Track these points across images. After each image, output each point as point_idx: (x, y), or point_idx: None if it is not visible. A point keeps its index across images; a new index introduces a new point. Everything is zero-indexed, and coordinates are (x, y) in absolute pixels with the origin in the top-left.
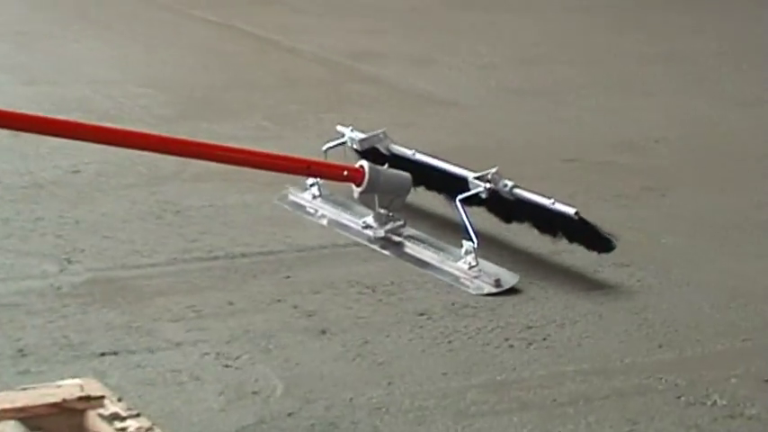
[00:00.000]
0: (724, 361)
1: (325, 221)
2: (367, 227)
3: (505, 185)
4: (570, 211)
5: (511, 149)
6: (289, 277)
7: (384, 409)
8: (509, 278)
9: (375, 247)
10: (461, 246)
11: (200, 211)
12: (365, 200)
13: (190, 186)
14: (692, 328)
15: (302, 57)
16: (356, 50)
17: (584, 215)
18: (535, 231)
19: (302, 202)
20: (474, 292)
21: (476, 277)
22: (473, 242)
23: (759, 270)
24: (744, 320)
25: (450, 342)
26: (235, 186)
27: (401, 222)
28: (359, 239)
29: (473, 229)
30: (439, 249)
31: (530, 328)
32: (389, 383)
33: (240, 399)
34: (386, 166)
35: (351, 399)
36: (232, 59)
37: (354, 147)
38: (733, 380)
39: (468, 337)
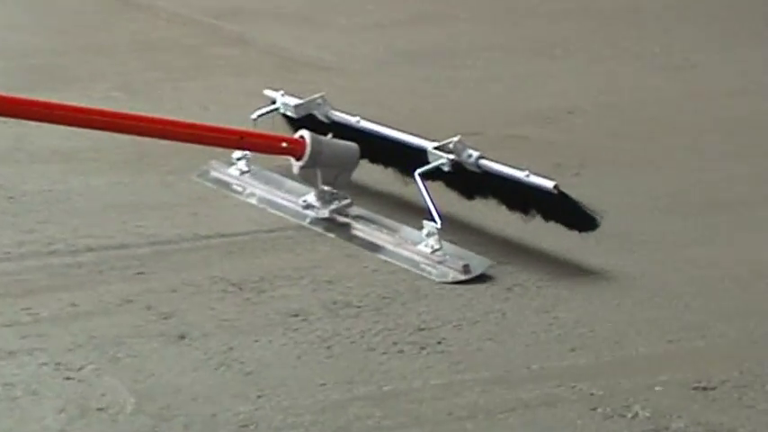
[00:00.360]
0: (647, 366)
1: (254, 200)
2: (308, 206)
3: (470, 156)
4: (548, 184)
5: (401, 121)
6: (141, 273)
7: (252, 426)
8: (479, 263)
9: (318, 229)
10: (421, 227)
11: (37, 197)
12: (306, 175)
13: (26, 168)
14: (609, 328)
15: (159, 16)
16: (223, 8)
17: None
18: (503, 209)
19: (227, 179)
20: (438, 280)
21: (440, 262)
22: (436, 222)
23: (689, 261)
24: (669, 319)
25: (329, 347)
26: (79, 167)
27: (348, 201)
28: (299, 221)
29: (435, 208)
30: (393, 231)
31: (422, 329)
32: (259, 396)
33: (84, 416)
34: (329, 136)
35: (214, 415)
36: (75, 19)
37: (288, 114)
38: (657, 388)
39: (351, 342)
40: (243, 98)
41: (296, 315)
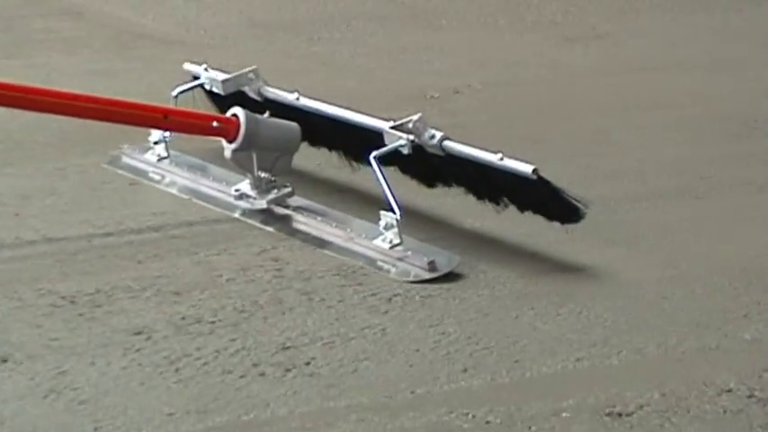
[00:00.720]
0: (552, 389)
1: (175, 189)
2: (242, 196)
3: (432, 137)
4: (526, 169)
5: None
6: None
7: None
8: (446, 260)
9: (254, 222)
10: (377, 219)
11: None
12: (240, 160)
13: None
14: (507, 344)
15: None
16: None
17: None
18: (469, 197)
19: (143, 166)
20: (398, 279)
21: (400, 259)
22: (395, 213)
23: (599, 265)
24: (578, 333)
25: (177, 370)
26: None
27: (288, 189)
28: (229, 212)
29: (394, 197)
30: (343, 224)
31: (287, 348)
32: (95, 429)
33: None
34: (266, 114)
35: None
36: None
37: (214, 90)
38: (564, 414)
39: (203, 363)
40: (74, 79)
41: (138, 333)
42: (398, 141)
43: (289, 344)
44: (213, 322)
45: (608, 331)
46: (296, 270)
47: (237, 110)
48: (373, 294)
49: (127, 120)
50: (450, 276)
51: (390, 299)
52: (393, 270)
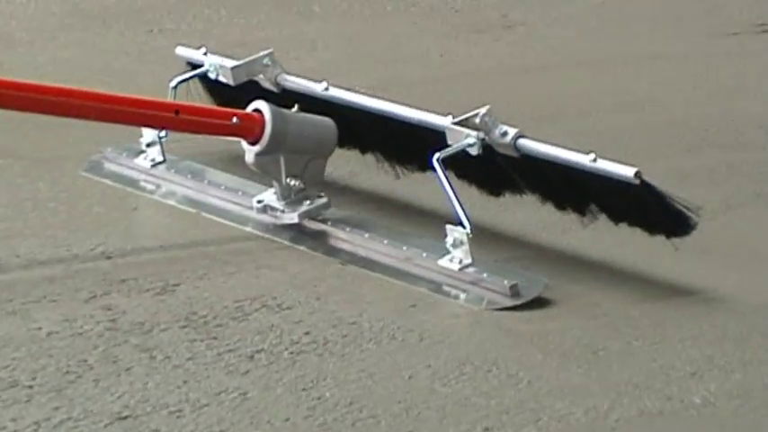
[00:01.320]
0: None
1: (173, 200)
2: (265, 208)
3: (505, 134)
4: (627, 171)
5: None
6: None
7: None
8: (529, 284)
9: (282, 240)
10: (442, 235)
11: None
12: (265, 165)
13: None
14: (397, 411)
15: None
16: None
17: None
18: (545, 207)
19: (132, 174)
20: (472, 306)
21: (472, 283)
22: (465, 228)
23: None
24: (487, 397)
25: None
26: None
27: (324, 200)
28: (253, 230)
29: (463, 208)
30: (396, 241)
31: (124, 418)
32: None
33: None
34: (295, 108)
35: None
36: None
37: (220, 79)
38: None
39: None
40: None
41: None
42: (466, 140)
43: (126, 413)
44: (31, 387)
45: (523, 394)
46: (133, 321)
47: (261, 104)
48: (231, 350)
49: (129, 119)
50: (344, 328)
51: (252, 356)
52: (463, 296)
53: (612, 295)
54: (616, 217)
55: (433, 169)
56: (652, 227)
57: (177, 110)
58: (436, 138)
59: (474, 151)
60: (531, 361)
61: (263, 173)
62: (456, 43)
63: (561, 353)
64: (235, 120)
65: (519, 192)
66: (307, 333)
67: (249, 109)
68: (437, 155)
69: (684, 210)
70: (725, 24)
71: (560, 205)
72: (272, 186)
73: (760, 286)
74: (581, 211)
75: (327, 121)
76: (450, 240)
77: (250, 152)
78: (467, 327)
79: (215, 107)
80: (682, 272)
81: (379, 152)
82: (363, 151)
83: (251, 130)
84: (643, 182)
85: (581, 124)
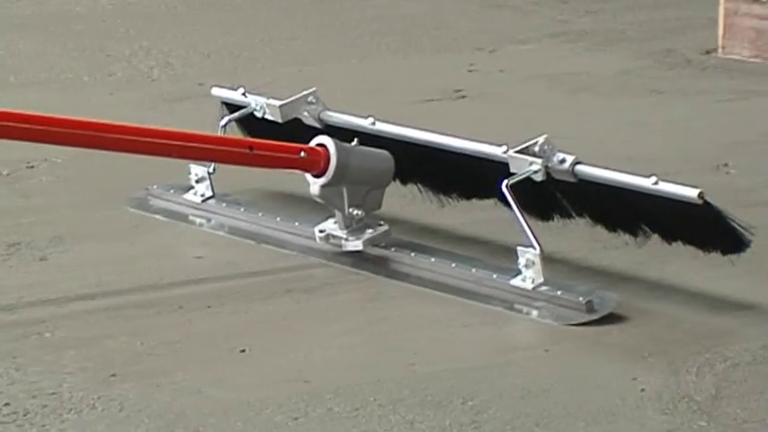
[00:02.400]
0: None
1: (224, 231)
2: (328, 237)
3: (563, 161)
4: (690, 193)
5: None
6: None
7: None
8: (604, 300)
9: (345, 266)
10: (507, 259)
11: None
12: (329, 196)
13: None
14: None
15: None
16: None
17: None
18: (598, 229)
19: (182, 209)
20: (549, 322)
21: (547, 300)
22: (535, 249)
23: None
24: None
25: None
26: None
27: (385, 227)
28: (318, 258)
29: (532, 230)
30: (463, 264)
31: None
32: None
33: None
34: (354, 142)
35: None
36: None
37: (268, 117)
38: None
39: None
40: None
41: None
42: (531, 167)
43: None
44: None
45: None
46: None
47: (325, 138)
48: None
49: (207, 155)
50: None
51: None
52: (536, 313)
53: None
54: (671, 236)
55: (502, 196)
56: (708, 245)
57: (251, 146)
58: (483, 167)
59: (538, 177)
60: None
61: (327, 204)
62: (154, 113)
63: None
64: (302, 154)
65: (568, 216)
66: (6, 404)
67: (313, 143)
68: (506, 182)
69: (740, 228)
70: (423, 92)
71: (611, 227)
72: (329, 217)
73: None
74: (633, 231)
75: (385, 153)
76: (522, 261)
77: (315, 184)
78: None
79: (282, 143)
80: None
81: (425, 182)
82: (413, 182)
83: (317, 164)
84: (705, 202)
85: None
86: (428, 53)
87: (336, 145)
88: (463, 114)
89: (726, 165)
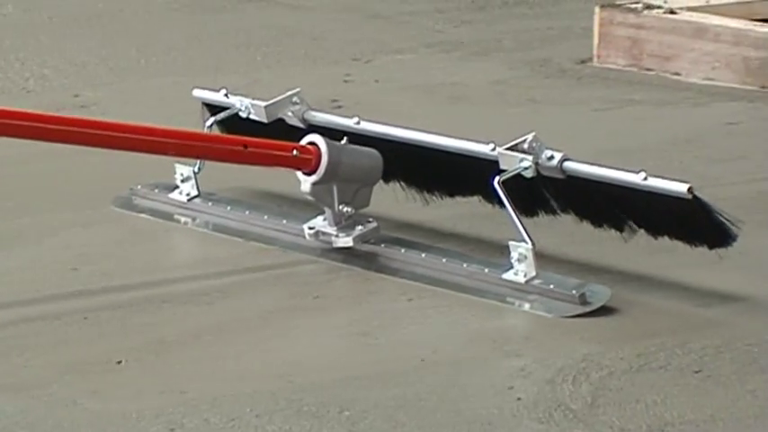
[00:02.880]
0: None
1: (207, 228)
2: (318, 234)
3: (551, 158)
4: (680, 188)
5: None
6: None
7: None
8: (597, 293)
9: (336, 262)
10: (502, 252)
11: None
12: (320, 194)
13: None
14: None
15: None
16: None
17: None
18: (584, 225)
19: (168, 208)
20: (549, 314)
21: (540, 294)
22: (528, 243)
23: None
24: None
25: None
26: None
27: (374, 224)
28: (308, 254)
29: (524, 226)
30: (456, 259)
31: None
32: None
33: None
34: (344, 141)
35: None
36: None
37: (253, 117)
38: None
39: None
40: None
41: None
42: (522, 163)
43: None
44: None
45: None
46: None
47: (316, 137)
48: None
49: (201, 153)
50: None
51: None
52: (528, 306)
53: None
54: (658, 231)
55: (491, 192)
56: (695, 239)
57: (245, 144)
58: (470, 164)
59: (529, 174)
60: None
61: (318, 201)
62: None
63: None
64: (295, 152)
65: (553, 212)
66: None
67: (304, 142)
68: (498, 178)
69: (727, 222)
70: None
71: (597, 222)
72: (316, 215)
73: None
74: (619, 227)
75: (374, 152)
76: (514, 255)
77: (306, 182)
78: None
79: (275, 141)
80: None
81: (409, 181)
82: (389, 181)
83: (308, 162)
84: (695, 197)
85: None
86: (304, 64)
87: (328, 143)
88: None
89: None
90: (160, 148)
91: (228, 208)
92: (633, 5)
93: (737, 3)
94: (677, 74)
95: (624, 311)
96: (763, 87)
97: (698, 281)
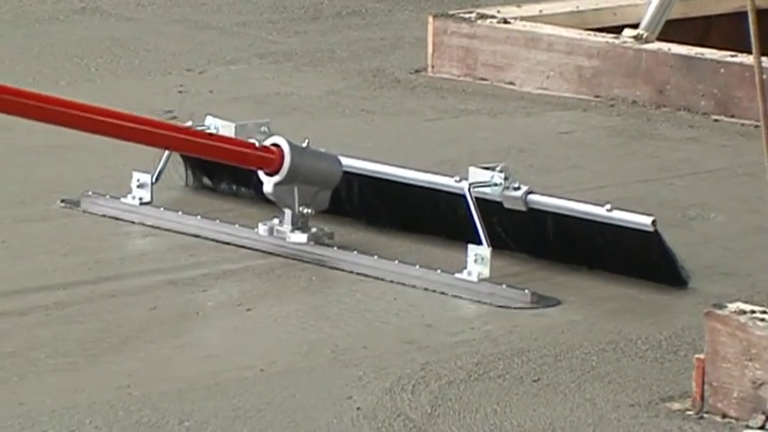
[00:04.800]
0: None
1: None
2: (272, 230)
3: (517, 188)
4: (644, 220)
5: None
6: None
7: None
8: (541, 299)
9: (288, 260)
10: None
11: None
12: (281, 195)
13: None
14: None
15: None
16: None
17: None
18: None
19: (117, 212)
20: (499, 308)
21: (491, 294)
22: (484, 245)
23: None
24: None
25: None
26: None
27: (329, 231)
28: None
29: (483, 229)
30: (408, 261)
31: None
32: None
33: None
34: (306, 142)
35: None
36: None
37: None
38: None
39: None
40: None
41: None
42: (493, 179)
43: None
44: None
45: None
46: None
47: (279, 139)
48: None
49: (163, 142)
50: None
51: None
52: (486, 299)
53: None
54: (617, 266)
55: (464, 196)
56: (653, 275)
57: (209, 138)
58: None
59: (498, 190)
60: None
61: (279, 201)
62: None
63: None
64: (257, 152)
65: (509, 248)
66: None
67: (267, 143)
68: (468, 182)
69: (681, 267)
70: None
71: (559, 257)
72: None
73: None
74: (577, 258)
75: (335, 156)
76: (471, 257)
77: (269, 182)
78: None
79: (239, 139)
80: None
81: (373, 212)
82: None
83: (271, 162)
84: (657, 232)
85: None
86: (138, 74)
87: (290, 145)
88: None
89: None
90: (121, 133)
91: (180, 213)
92: (467, 15)
93: (570, 12)
94: (511, 83)
95: (461, 320)
96: (597, 96)
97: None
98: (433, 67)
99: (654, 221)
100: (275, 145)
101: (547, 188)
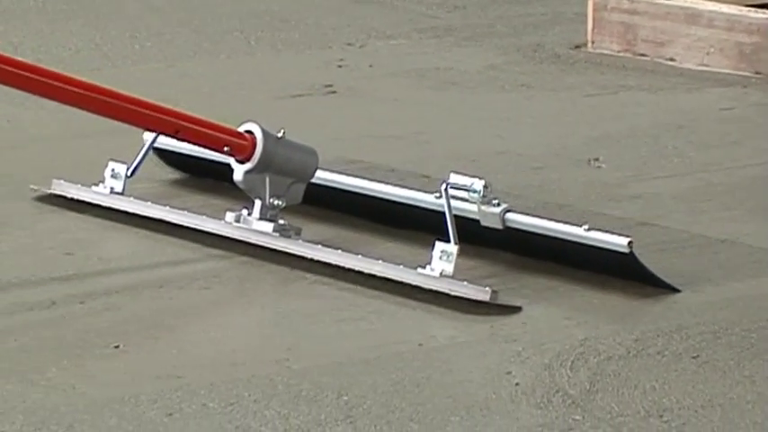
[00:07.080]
0: None
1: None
2: (239, 218)
3: (496, 203)
4: (620, 241)
5: None
6: None
7: None
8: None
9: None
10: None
11: None
12: (252, 184)
13: None
14: None
15: None
16: None
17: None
18: None
19: (90, 199)
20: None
21: (452, 290)
22: (452, 242)
23: None
24: None
25: None
26: None
27: (297, 228)
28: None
29: (455, 229)
30: (372, 256)
31: None
32: None
33: None
34: (281, 132)
35: None
36: None
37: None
38: None
39: None
40: None
41: None
42: (473, 185)
43: None
44: None
45: None
46: None
47: (252, 125)
48: None
49: (131, 118)
50: None
51: None
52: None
53: None
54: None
55: (443, 195)
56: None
57: (178, 117)
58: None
59: (476, 197)
60: None
61: (249, 190)
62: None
63: None
64: (228, 137)
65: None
66: None
67: (241, 129)
68: (446, 183)
69: (666, 283)
70: (293, 87)
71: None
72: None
73: None
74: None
75: (311, 148)
76: (437, 254)
77: (239, 170)
78: None
79: (212, 122)
80: None
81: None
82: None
83: (243, 149)
84: (632, 253)
85: None
86: (298, 48)
87: (264, 132)
88: (332, 109)
89: (596, 159)
90: (96, 107)
91: (149, 203)
92: None
93: None
94: (671, 59)
95: (619, 297)
96: (757, 73)
97: (690, 267)
98: (592, 42)
99: (630, 242)
100: (248, 131)
101: (706, 165)
